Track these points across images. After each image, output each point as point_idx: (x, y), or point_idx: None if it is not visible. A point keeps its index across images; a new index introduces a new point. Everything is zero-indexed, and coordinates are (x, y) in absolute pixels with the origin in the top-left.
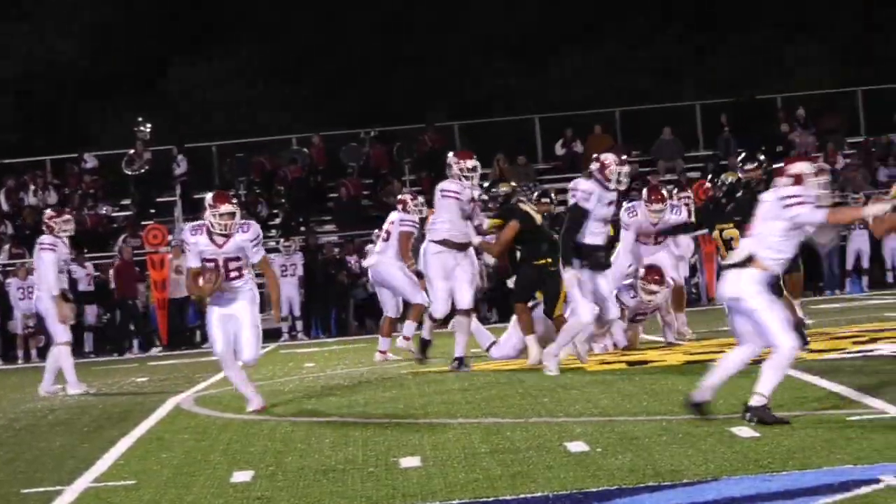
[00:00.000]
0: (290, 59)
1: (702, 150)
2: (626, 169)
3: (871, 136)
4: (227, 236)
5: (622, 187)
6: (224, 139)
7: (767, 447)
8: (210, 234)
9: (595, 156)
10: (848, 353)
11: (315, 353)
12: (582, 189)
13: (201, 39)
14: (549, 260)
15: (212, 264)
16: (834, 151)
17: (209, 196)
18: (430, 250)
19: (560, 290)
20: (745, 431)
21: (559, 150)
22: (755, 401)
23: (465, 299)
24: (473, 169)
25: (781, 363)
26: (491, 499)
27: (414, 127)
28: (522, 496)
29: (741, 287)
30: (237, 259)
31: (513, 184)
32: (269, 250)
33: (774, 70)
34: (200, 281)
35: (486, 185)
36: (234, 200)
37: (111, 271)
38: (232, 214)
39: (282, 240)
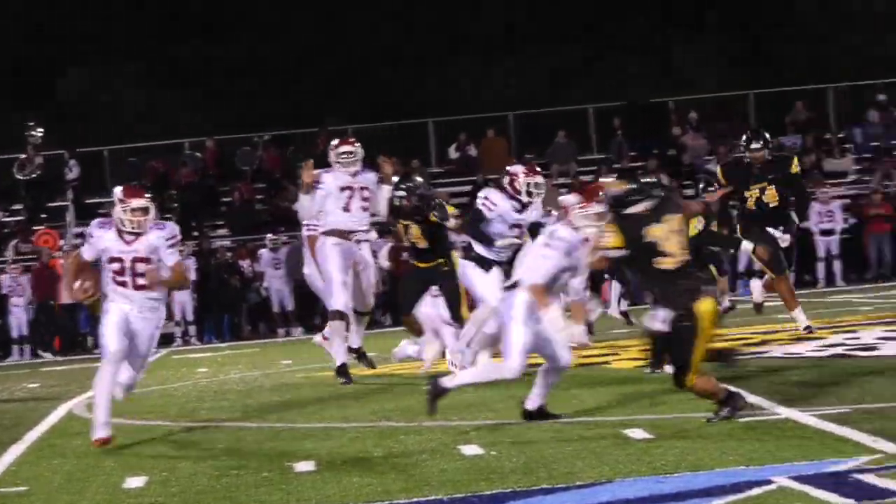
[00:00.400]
0: (181, 63)
1: (595, 153)
2: (536, 180)
3: None
4: (138, 234)
5: (534, 199)
6: (115, 143)
7: (660, 449)
8: (119, 231)
9: (506, 168)
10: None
11: (208, 358)
12: (490, 199)
13: (97, 41)
14: (442, 260)
15: (117, 265)
16: (725, 154)
17: (118, 190)
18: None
19: (458, 289)
20: (638, 434)
21: (453, 153)
22: None
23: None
24: (350, 153)
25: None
26: (385, 503)
27: (308, 131)
28: (416, 500)
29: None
30: (147, 260)
31: (419, 179)
32: None
33: (666, 74)
34: (76, 284)
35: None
36: (148, 195)
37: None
38: (145, 210)
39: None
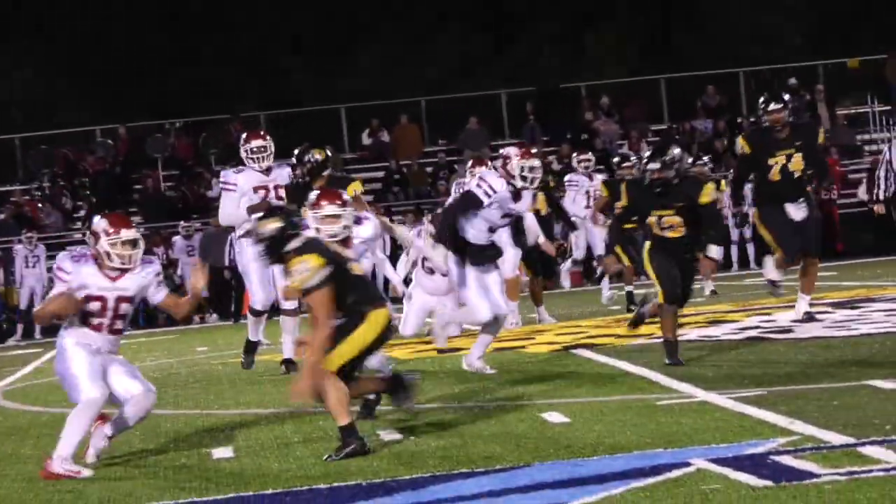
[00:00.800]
0: (85, 50)
1: (508, 138)
2: (532, 163)
3: (674, 123)
4: (125, 270)
5: (528, 185)
6: (22, 132)
7: (578, 433)
8: (100, 265)
9: (502, 151)
10: (655, 337)
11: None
12: (490, 183)
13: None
14: None
15: (96, 304)
16: (638, 139)
17: (103, 221)
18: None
19: None
20: (555, 417)
21: (366, 139)
22: None
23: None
24: (261, 149)
25: None
26: (304, 488)
27: (220, 117)
28: (336, 485)
29: None
30: (130, 301)
31: (328, 151)
32: (78, 242)
33: (577, 60)
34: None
35: (296, 151)
36: (134, 225)
37: None
38: (135, 242)
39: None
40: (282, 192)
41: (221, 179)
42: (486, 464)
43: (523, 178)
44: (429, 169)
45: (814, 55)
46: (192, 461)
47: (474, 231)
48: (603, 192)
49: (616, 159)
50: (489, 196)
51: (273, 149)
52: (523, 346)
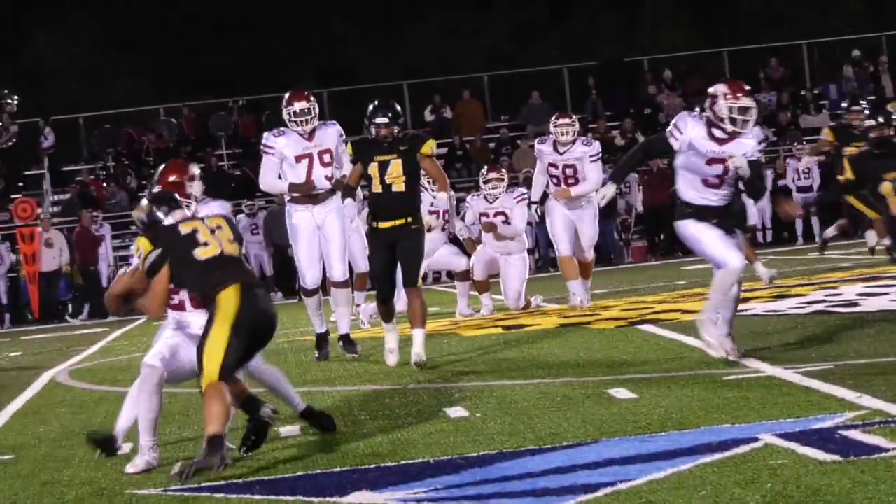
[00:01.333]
0: (143, 26)
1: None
2: (741, 103)
3: None
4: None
5: (739, 128)
6: (86, 111)
7: (645, 409)
8: None
9: (709, 89)
10: None
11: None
12: (678, 124)
13: (59, 6)
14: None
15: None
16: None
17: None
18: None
19: (421, 252)
20: (622, 393)
21: (429, 116)
22: None
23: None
24: (304, 111)
25: None
26: (372, 466)
27: (282, 95)
28: (403, 462)
29: None
30: None
31: None
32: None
33: (632, 28)
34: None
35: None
36: None
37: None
38: None
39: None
40: (327, 157)
41: (263, 142)
42: (552, 440)
43: (732, 121)
44: (491, 145)
45: (875, 26)
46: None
47: (689, 188)
48: (829, 137)
49: (844, 104)
50: (676, 138)
51: (317, 110)
52: (589, 323)
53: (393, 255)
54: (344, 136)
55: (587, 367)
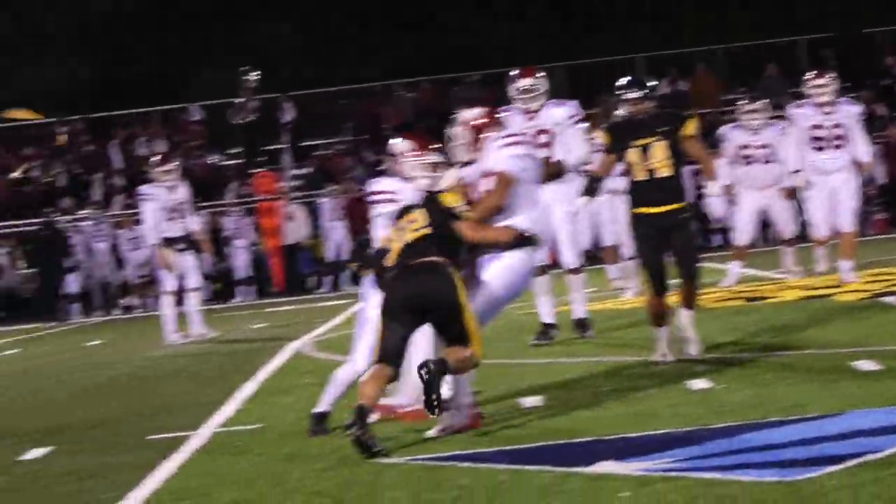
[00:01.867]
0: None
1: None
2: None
3: None
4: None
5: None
6: (328, 86)
7: (892, 380)
8: None
9: None
10: None
11: None
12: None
13: None
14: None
15: None
16: None
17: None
18: None
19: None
20: (866, 365)
21: (664, 88)
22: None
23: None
24: (530, 88)
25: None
26: (616, 436)
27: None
28: (647, 433)
29: None
30: None
31: None
32: None
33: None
34: None
35: None
36: None
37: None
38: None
39: None
40: (544, 137)
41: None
42: (797, 412)
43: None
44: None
45: None
46: (501, 410)
47: None
48: None
49: None
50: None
51: (545, 88)
52: (831, 295)
53: (665, 243)
54: (579, 117)
55: (830, 340)
